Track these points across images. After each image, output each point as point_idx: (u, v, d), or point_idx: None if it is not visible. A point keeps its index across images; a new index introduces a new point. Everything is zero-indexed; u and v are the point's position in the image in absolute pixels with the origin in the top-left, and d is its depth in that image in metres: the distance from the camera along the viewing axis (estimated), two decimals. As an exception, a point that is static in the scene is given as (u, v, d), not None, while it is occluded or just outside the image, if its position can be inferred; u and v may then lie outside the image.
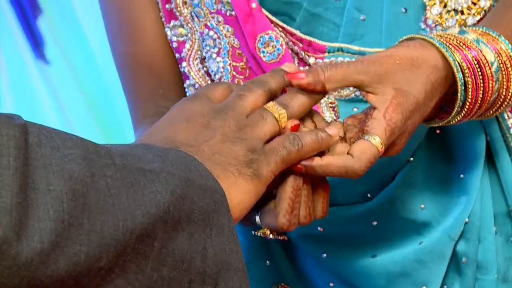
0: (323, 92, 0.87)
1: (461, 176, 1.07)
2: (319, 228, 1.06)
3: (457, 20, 1.02)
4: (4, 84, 2.48)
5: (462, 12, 1.02)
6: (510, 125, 1.07)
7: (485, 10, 1.03)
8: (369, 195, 1.06)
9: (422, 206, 1.06)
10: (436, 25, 1.02)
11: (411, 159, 1.06)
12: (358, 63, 0.87)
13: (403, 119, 0.86)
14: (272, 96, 0.87)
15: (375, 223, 1.06)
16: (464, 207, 1.06)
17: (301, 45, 1.03)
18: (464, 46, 0.89)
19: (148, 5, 1.08)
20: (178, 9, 1.07)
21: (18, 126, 0.63)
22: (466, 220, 1.06)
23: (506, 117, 1.08)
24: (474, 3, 1.02)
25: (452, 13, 1.02)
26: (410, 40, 0.91)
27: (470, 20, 1.02)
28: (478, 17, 1.02)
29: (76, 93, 2.53)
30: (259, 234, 0.89)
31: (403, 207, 1.06)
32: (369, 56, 0.88)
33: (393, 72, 0.87)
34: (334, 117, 1.03)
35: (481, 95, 0.90)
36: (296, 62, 1.03)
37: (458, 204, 1.07)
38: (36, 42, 2.48)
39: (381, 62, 0.87)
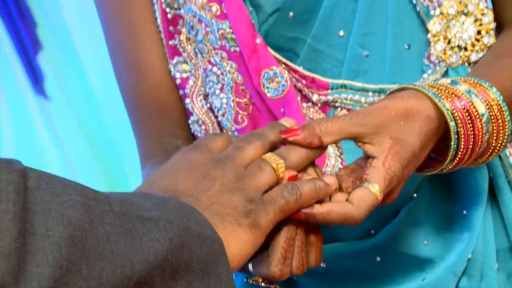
0: (321, 147, 0.88)
1: (464, 212, 1.06)
2: (322, 264, 1.06)
3: (460, 56, 1.03)
4: (4, 119, 2.48)
5: (465, 49, 1.03)
6: (512, 162, 1.08)
7: (488, 47, 1.03)
8: (372, 231, 1.06)
9: (425, 242, 1.06)
10: (439, 62, 1.03)
11: (415, 195, 1.06)
12: (353, 116, 0.88)
13: (401, 168, 0.87)
14: (270, 149, 0.87)
15: (378, 259, 1.06)
16: (467, 243, 1.06)
17: (304, 81, 1.03)
18: (455, 97, 0.90)
19: (154, 41, 1.09)
20: (182, 45, 1.08)
21: (17, 171, 0.63)
22: (469, 256, 1.05)
23: (508, 154, 1.08)
24: (477, 40, 1.03)
25: (456, 49, 1.02)
26: (402, 90, 0.92)
27: (474, 57, 1.03)
28: (481, 54, 1.03)
29: (75, 129, 2.53)
30: (251, 282, 0.89)
31: (406, 243, 1.06)
32: (364, 108, 0.89)
33: (389, 123, 0.88)
34: (338, 153, 1.03)
35: (471, 146, 0.91)
36: (299, 98, 1.03)
37: (461, 240, 1.06)
38: (36, 77, 2.49)
39: (377, 113, 0.88)
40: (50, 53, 2.50)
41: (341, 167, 1.02)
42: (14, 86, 2.48)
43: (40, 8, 2.49)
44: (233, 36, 1.02)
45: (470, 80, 0.93)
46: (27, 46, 2.48)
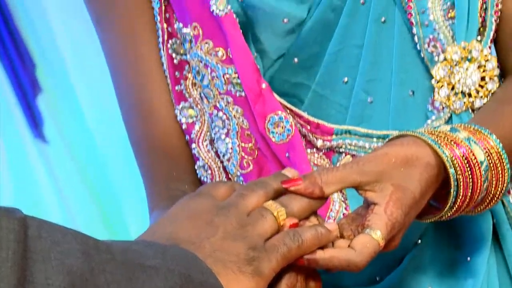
0: (323, 197, 0.88)
1: (468, 259, 1.06)
2: (325, 311, 1.05)
3: (464, 102, 1.03)
4: (3, 163, 2.47)
5: (469, 95, 1.03)
6: (515, 208, 1.08)
7: (492, 94, 1.04)
8: (377, 278, 1.05)
9: (430, 289, 1.06)
10: (443, 108, 1.03)
11: (419, 241, 1.05)
12: (353, 165, 0.88)
13: (403, 214, 0.87)
14: (274, 198, 0.87)
15: (383, 305, 1.06)
16: (472, 290, 1.05)
17: (309, 127, 1.04)
18: (454, 144, 0.90)
19: (161, 86, 1.09)
20: (188, 90, 1.08)
21: (18, 219, 0.63)
22: (473, 303, 1.05)
23: (511, 200, 1.08)
24: (481, 86, 1.03)
25: (460, 95, 1.03)
26: (402, 137, 0.92)
27: (478, 103, 1.03)
28: (485, 100, 1.03)
29: (74, 173, 2.53)
30: None
31: (410, 290, 1.06)
32: (364, 156, 0.90)
33: (390, 170, 0.88)
34: (342, 199, 1.03)
35: (469, 194, 0.91)
36: (304, 144, 1.03)
37: (465, 287, 1.06)
38: (35, 121, 2.49)
39: (377, 161, 0.88)
40: (50, 96, 2.51)
41: (345, 212, 1.02)
42: (12, 129, 2.48)
43: (39, 50, 2.50)
44: (239, 81, 1.02)
45: (470, 127, 0.93)
46: (27, 88, 2.48)
